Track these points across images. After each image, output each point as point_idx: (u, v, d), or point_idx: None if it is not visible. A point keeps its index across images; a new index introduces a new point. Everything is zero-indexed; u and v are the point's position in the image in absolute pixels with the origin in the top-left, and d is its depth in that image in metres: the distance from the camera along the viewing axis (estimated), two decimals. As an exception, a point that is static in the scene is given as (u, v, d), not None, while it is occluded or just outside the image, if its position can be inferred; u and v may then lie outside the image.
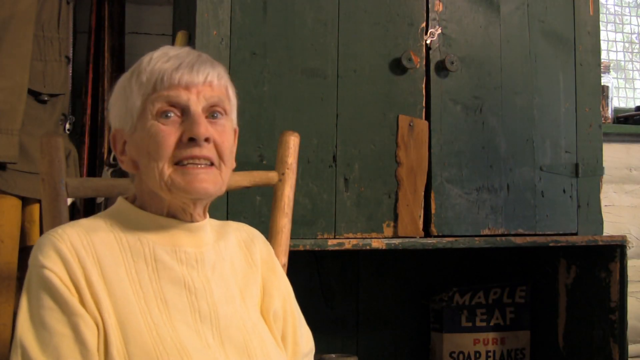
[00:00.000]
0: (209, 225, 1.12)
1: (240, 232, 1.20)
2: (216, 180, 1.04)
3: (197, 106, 1.03)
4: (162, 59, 1.04)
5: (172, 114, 1.03)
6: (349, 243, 1.72)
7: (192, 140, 1.02)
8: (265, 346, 1.09)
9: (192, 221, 1.09)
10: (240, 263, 1.15)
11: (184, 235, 1.07)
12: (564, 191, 2.02)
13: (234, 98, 1.13)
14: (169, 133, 1.02)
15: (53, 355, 0.93)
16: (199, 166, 1.03)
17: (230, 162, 1.09)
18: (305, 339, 1.22)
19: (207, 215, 1.13)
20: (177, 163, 1.02)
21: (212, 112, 1.06)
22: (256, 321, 1.12)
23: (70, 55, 2.03)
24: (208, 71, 1.05)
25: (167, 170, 1.02)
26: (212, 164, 1.04)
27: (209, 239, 1.11)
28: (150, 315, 1.00)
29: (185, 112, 1.03)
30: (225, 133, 1.07)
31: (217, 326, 1.05)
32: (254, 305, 1.14)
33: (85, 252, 0.99)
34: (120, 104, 1.07)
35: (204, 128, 1.02)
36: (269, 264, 1.20)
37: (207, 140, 1.03)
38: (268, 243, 1.23)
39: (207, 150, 1.03)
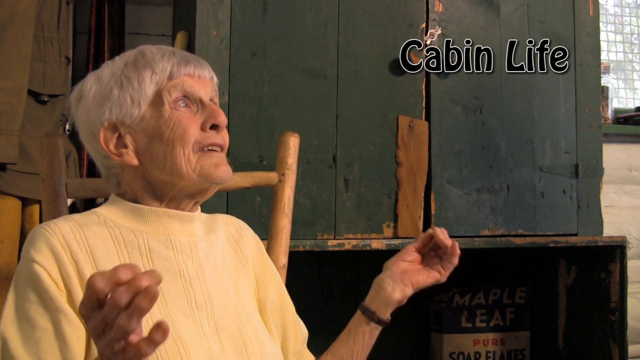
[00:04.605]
0: (199, 219, 1.14)
1: (229, 227, 1.21)
2: (229, 166, 1.09)
3: (206, 97, 1.08)
4: (166, 52, 1.08)
5: (187, 103, 1.07)
6: (348, 244, 1.72)
7: (213, 128, 1.07)
8: (259, 335, 1.10)
9: (191, 211, 1.10)
10: (230, 256, 1.16)
11: (177, 225, 1.08)
12: (563, 192, 2.02)
13: None
14: (192, 120, 1.06)
15: (33, 348, 0.93)
16: (219, 152, 1.07)
17: None
18: (303, 325, 1.26)
19: (199, 208, 1.14)
20: (201, 150, 1.05)
21: None
22: (250, 311, 1.13)
23: (70, 55, 2.03)
24: (209, 68, 1.11)
25: (193, 157, 1.04)
26: (223, 150, 1.09)
27: (200, 231, 1.12)
28: None
29: (199, 102, 1.07)
30: None
31: (212, 315, 1.06)
32: (247, 296, 1.15)
33: (78, 245, 0.99)
34: (120, 95, 1.06)
35: (224, 116, 1.08)
36: (259, 257, 1.21)
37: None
38: (256, 236, 1.24)
39: (223, 139, 1.08)
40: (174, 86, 1.06)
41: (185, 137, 1.04)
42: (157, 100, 1.05)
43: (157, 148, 1.05)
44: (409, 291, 1.27)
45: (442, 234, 1.25)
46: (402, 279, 1.26)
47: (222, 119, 1.07)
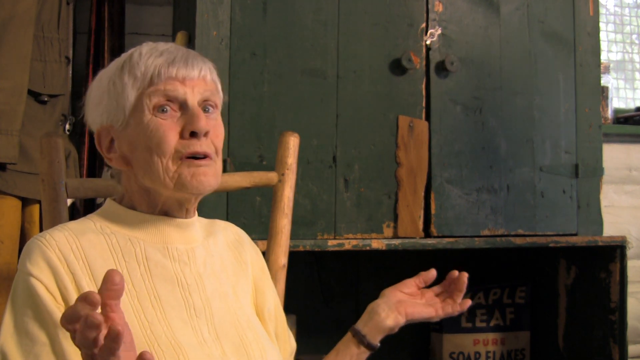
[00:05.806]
0: (197, 223, 1.12)
1: (227, 232, 1.19)
2: (216, 173, 1.04)
3: (193, 100, 1.03)
4: (154, 53, 1.03)
5: (169, 109, 1.02)
6: (349, 244, 1.72)
7: (193, 135, 1.01)
8: (260, 340, 1.10)
9: (186, 217, 1.08)
10: (230, 260, 1.15)
11: (174, 232, 1.07)
12: (563, 192, 2.02)
13: (221, 93, 1.12)
14: (170, 128, 1.01)
15: None
16: (201, 161, 1.02)
17: (221, 156, 1.09)
18: (292, 337, 1.26)
19: (197, 213, 1.12)
20: (180, 158, 1.01)
21: (205, 107, 1.05)
22: (249, 316, 1.12)
23: (70, 55, 2.03)
24: (201, 65, 1.05)
25: (172, 166, 1.01)
26: (209, 157, 1.04)
27: (198, 236, 1.11)
28: (144, 314, 0.99)
29: (182, 106, 1.03)
30: (218, 126, 1.06)
31: (212, 321, 1.05)
32: (247, 300, 1.14)
33: (74, 257, 0.98)
34: (109, 99, 1.05)
35: (204, 122, 1.02)
36: (259, 264, 1.20)
37: (205, 134, 1.02)
38: (255, 245, 1.23)
39: (206, 146, 1.03)
40: (155, 91, 1.02)
41: (162, 146, 1.00)
42: (139, 106, 1.02)
43: (139, 155, 1.03)
44: (402, 320, 1.27)
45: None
46: (397, 308, 1.27)
47: (201, 126, 1.01)
